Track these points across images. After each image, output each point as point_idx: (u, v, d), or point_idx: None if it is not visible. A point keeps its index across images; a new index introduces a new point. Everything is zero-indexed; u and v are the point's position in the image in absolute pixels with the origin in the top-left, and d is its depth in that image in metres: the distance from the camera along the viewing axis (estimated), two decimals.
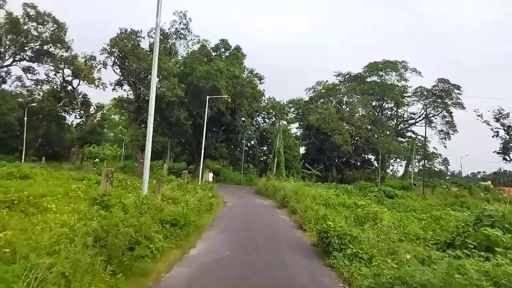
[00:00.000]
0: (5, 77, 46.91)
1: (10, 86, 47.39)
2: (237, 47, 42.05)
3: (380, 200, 31.80)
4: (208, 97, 29.82)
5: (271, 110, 48.52)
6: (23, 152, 39.77)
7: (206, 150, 42.45)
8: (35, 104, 43.41)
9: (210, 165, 60.74)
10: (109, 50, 34.63)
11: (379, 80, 68.43)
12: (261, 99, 45.95)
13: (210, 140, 43.40)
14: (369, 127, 59.32)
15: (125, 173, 38.30)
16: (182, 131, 35.51)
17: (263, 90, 44.01)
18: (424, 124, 65.46)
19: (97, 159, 58.84)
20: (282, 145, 37.18)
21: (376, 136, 58.16)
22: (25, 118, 39.39)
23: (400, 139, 68.59)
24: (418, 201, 37.65)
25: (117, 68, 35.28)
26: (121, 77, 35.85)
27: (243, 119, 44.24)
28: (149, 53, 33.52)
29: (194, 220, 11.59)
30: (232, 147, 46.18)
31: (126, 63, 33.74)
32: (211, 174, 31.25)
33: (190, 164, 48.56)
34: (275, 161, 37.02)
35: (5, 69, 46.35)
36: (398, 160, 65.22)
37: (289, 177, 39.49)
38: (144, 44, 35.76)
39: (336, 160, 61.83)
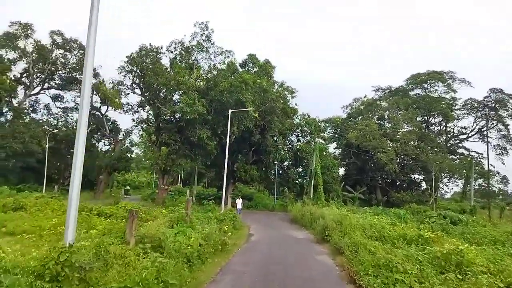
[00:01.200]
0: (34, 106, 45.71)
1: (37, 114, 46.17)
2: (266, 60, 37.96)
3: (445, 228, 25.21)
4: (230, 110, 25.48)
5: (305, 128, 43.40)
6: (44, 181, 37.21)
7: (236, 173, 38.00)
8: (57, 130, 41.38)
9: (243, 190, 56.13)
10: (127, 68, 31.71)
11: (423, 93, 61.59)
12: (294, 116, 41.14)
13: (240, 162, 38.95)
14: (416, 143, 52.27)
15: (147, 201, 34.50)
16: (206, 152, 31.34)
17: (296, 105, 39.21)
18: (483, 138, 58.13)
19: (127, 187, 56.11)
20: (319, 165, 31.82)
21: (425, 153, 50.90)
22: (47, 146, 37.12)
23: (450, 156, 60.51)
24: (489, 227, 30.36)
25: (136, 88, 32.26)
26: (141, 97, 32.67)
27: (274, 138, 39.48)
28: (167, 69, 30.22)
29: (174, 283, 6.70)
30: (264, 169, 41.26)
31: (145, 81, 30.54)
32: (240, 201, 26.47)
33: (221, 190, 44.05)
34: (312, 183, 31.61)
35: (34, 97, 45.18)
36: (452, 179, 56.76)
37: (329, 201, 33.77)
38: (165, 61, 32.62)
39: (380, 181, 54.85)
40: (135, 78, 32.32)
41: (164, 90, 28.34)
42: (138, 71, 31.10)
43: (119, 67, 31.89)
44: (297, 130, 43.48)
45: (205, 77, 30.43)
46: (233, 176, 39.31)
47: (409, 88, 61.65)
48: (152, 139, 32.86)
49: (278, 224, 25.08)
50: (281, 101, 34.42)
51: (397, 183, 55.63)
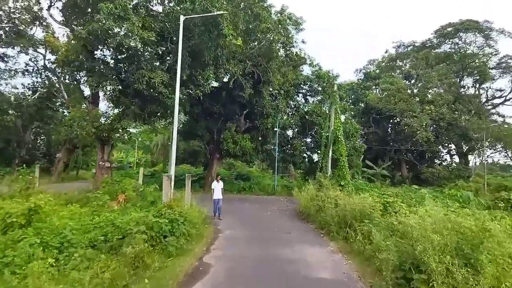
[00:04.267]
0: None
1: None
2: None
3: None
4: (183, 17, 13.27)
5: (315, 85, 30.81)
6: None
7: (222, 144, 26.11)
8: None
9: (239, 168, 44.27)
10: None
11: (452, 50, 48.08)
12: (300, 66, 28.57)
13: (228, 131, 26.90)
14: (453, 106, 39.40)
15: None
16: (167, 109, 19.07)
17: (303, 42, 26.09)
18: None
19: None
20: (341, 127, 19.52)
21: (465, 117, 38.21)
22: None
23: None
24: None
25: (61, 16, 20.05)
26: (63, 22, 20.24)
27: (275, 97, 27.17)
28: None
29: None
30: (261, 139, 29.00)
31: None
32: (219, 185, 14.28)
33: (207, 168, 32.11)
34: (330, 155, 19.51)
35: None
36: (498, 148, 43.85)
37: (355, 179, 21.66)
38: None
39: (405, 154, 42.22)
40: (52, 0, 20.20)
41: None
42: None
43: None
44: (304, 87, 30.85)
45: None
46: (219, 149, 27.36)
47: (437, 42, 48.10)
48: (85, 93, 20.67)
49: (276, 226, 12.98)
50: (282, 35, 21.89)
51: (427, 156, 43.15)
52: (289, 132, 31.76)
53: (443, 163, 43.96)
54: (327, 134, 20.83)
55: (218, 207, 14.14)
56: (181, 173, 33.88)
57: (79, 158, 39.50)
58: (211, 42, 17.37)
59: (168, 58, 18.34)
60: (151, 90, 17.31)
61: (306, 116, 29.37)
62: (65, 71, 20.94)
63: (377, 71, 48.75)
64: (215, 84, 27.89)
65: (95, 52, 18.55)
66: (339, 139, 18.83)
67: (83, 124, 16.90)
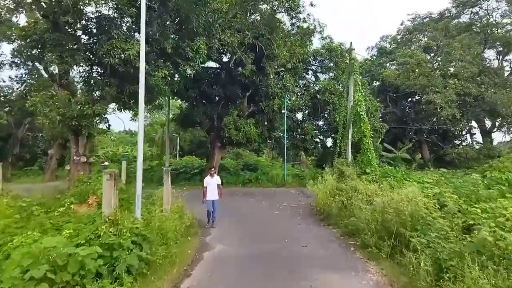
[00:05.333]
0: None
1: None
2: None
3: None
4: None
5: (325, 60, 26.79)
6: None
7: (223, 131, 22.59)
8: None
9: (247, 157, 40.72)
10: None
11: (473, 20, 43.00)
12: (309, 39, 24.48)
13: (230, 116, 23.33)
14: (479, 79, 34.80)
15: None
16: (151, 90, 15.43)
17: (311, 3, 21.63)
18: None
19: (106, 162, 41.42)
20: (363, 99, 15.61)
21: (493, 91, 33.57)
22: None
23: None
24: None
25: None
26: None
27: (282, 75, 23.34)
28: None
29: None
30: (267, 123, 25.26)
31: None
32: (215, 180, 10.41)
33: (209, 159, 28.59)
34: (349, 136, 15.72)
35: None
36: None
37: (382, 167, 17.84)
38: None
39: (426, 135, 37.79)
40: None
41: None
42: None
43: None
44: (314, 62, 26.86)
45: None
46: (220, 137, 23.80)
47: (456, 12, 43.06)
48: (53, 72, 17.07)
49: (286, 233, 9.31)
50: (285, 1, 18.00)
51: (452, 135, 38.68)
52: (299, 115, 27.96)
53: (463, 143, 39.59)
54: (344, 113, 17.05)
55: (212, 211, 10.35)
56: (183, 165, 30.66)
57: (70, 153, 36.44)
58: (197, 1, 13.66)
59: (150, 29, 14.70)
60: (127, 66, 13.75)
61: (318, 95, 25.45)
62: (25, 48, 17.44)
63: (392, 46, 44.24)
64: (213, 64, 24.40)
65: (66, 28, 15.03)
66: (361, 116, 15.03)
67: (45, 111, 13.52)
